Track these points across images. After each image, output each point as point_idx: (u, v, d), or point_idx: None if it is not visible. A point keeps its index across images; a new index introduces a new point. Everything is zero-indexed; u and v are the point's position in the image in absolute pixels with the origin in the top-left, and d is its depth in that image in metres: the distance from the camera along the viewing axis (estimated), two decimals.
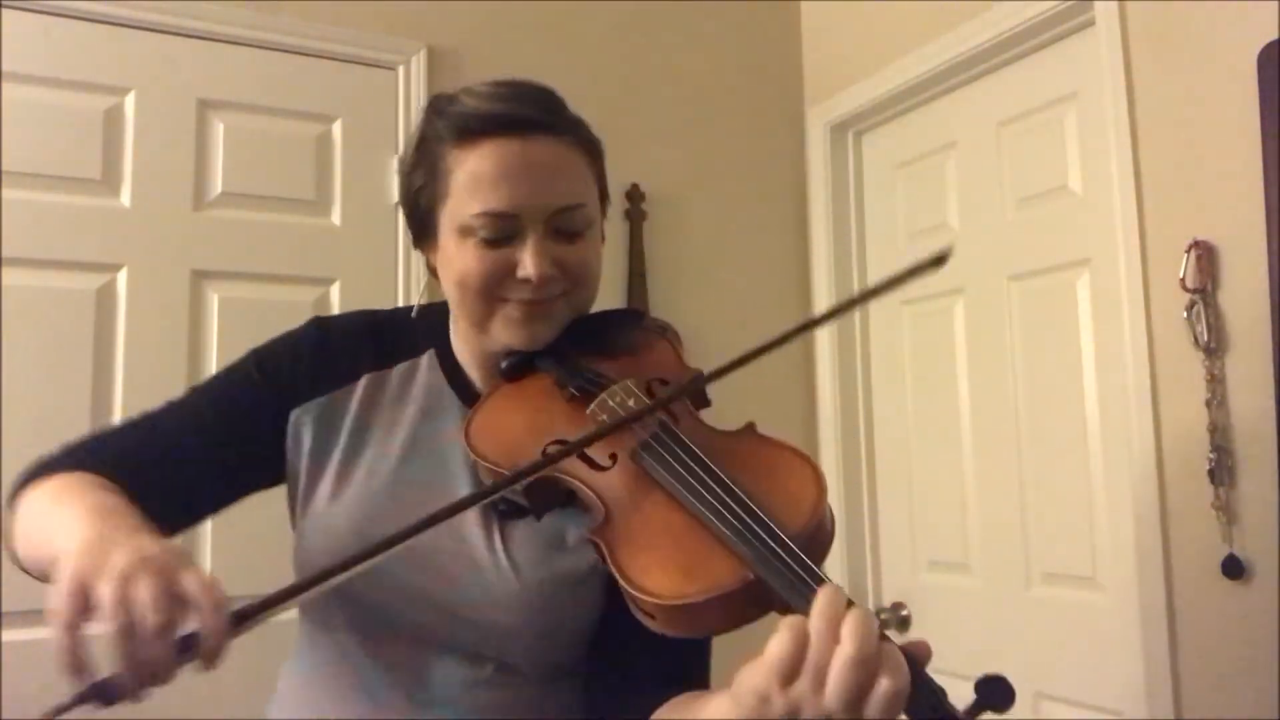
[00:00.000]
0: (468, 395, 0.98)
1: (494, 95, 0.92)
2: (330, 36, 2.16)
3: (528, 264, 0.88)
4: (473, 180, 0.89)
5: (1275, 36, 1.54)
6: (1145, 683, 1.71)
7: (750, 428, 0.85)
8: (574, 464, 0.80)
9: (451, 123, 0.91)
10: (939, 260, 0.77)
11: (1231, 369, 1.61)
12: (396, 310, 1.09)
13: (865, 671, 0.59)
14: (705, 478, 0.75)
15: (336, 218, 2.15)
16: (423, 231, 0.97)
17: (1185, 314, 1.64)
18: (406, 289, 2.17)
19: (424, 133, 0.95)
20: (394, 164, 2.18)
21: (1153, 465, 1.71)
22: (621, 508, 0.77)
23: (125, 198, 1.98)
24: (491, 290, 0.90)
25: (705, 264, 2.46)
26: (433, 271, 0.99)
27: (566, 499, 0.82)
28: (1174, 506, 1.68)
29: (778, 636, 0.62)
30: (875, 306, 2.50)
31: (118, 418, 1.91)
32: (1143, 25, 1.77)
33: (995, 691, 0.62)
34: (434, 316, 1.04)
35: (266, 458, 0.97)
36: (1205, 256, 1.63)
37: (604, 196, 1.00)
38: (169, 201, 2.01)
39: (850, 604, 0.62)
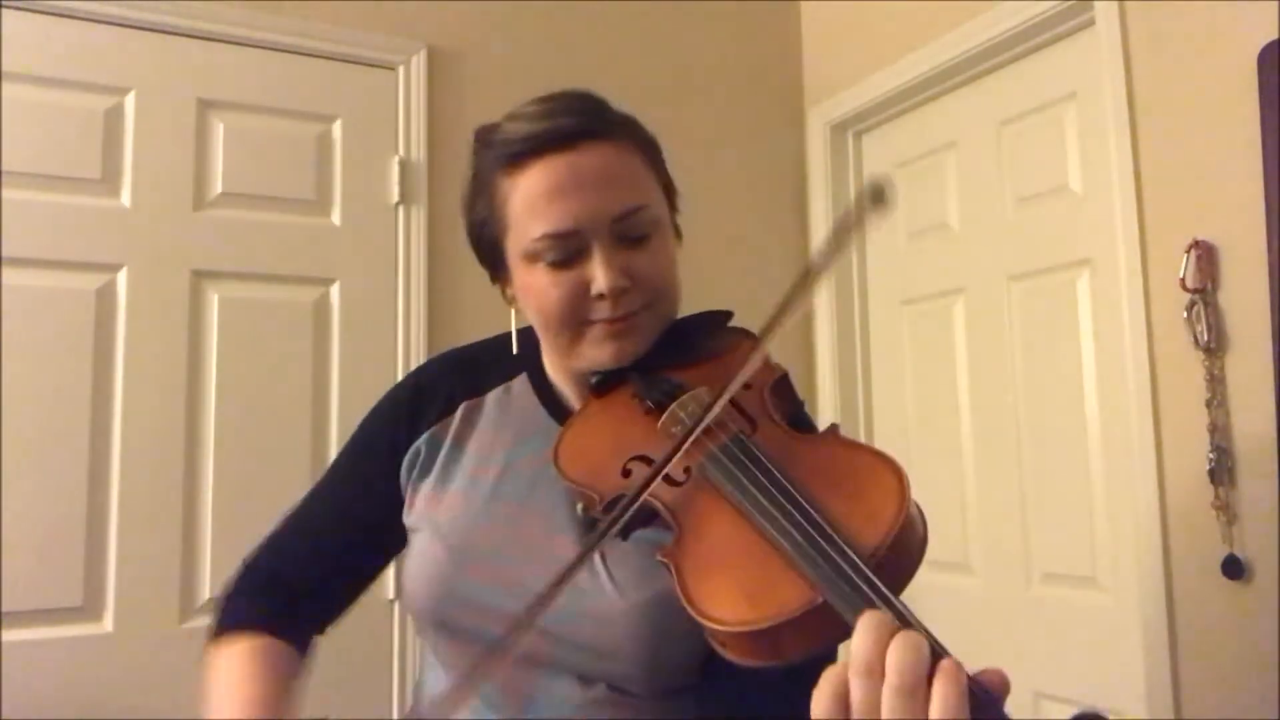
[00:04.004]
0: (561, 415, 0.97)
1: (534, 115, 0.91)
2: (330, 36, 2.16)
3: (599, 278, 0.87)
4: (528, 204, 0.88)
5: (1275, 36, 1.54)
6: (1145, 683, 1.71)
7: (833, 430, 0.80)
8: (654, 485, 0.76)
9: (498, 152, 0.91)
10: (877, 198, 0.74)
11: (1231, 369, 1.60)
12: (488, 340, 1.10)
13: (912, 702, 0.56)
14: (773, 491, 0.70)
15: (336, 218, 2.15)
16: (494, 265, 0.96)
17: (1185, 314, 1.64)
18: (406, 289, 2.17)
19: (476, 167, 0.95)
20: (394, 164, 2.18)
21: (1153, 465, 1.71)
22: (693, 526, 0.73)
23: (125, 198, 1.98)
24: (573, 316, 0.89)
25: (705, 264, 2.46)
26: (512, 304, 0.98)
27: (648, 518, 0.78)
28: (1174, 506, 1.68)
29: (827, 674, 0.60)
30: (875, 306, 2.50)
31: (118, 418, 1.91)
32: (1143, 25, 1.77)
33: None
34: (526, 339, 1.03)
35: (399, 516, 1.00)
36: (1205, 256, 1.63)
37: (670, 191, 0.98)
38: (169, 201, 2.01)
39: (901, 628, 0.59)
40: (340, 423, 2.08)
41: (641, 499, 0.73)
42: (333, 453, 2.05)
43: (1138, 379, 1.74)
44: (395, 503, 1.00)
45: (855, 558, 0.63)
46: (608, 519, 0.73)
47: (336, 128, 2.17)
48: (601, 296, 0.87)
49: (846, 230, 0.76)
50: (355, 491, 1.03)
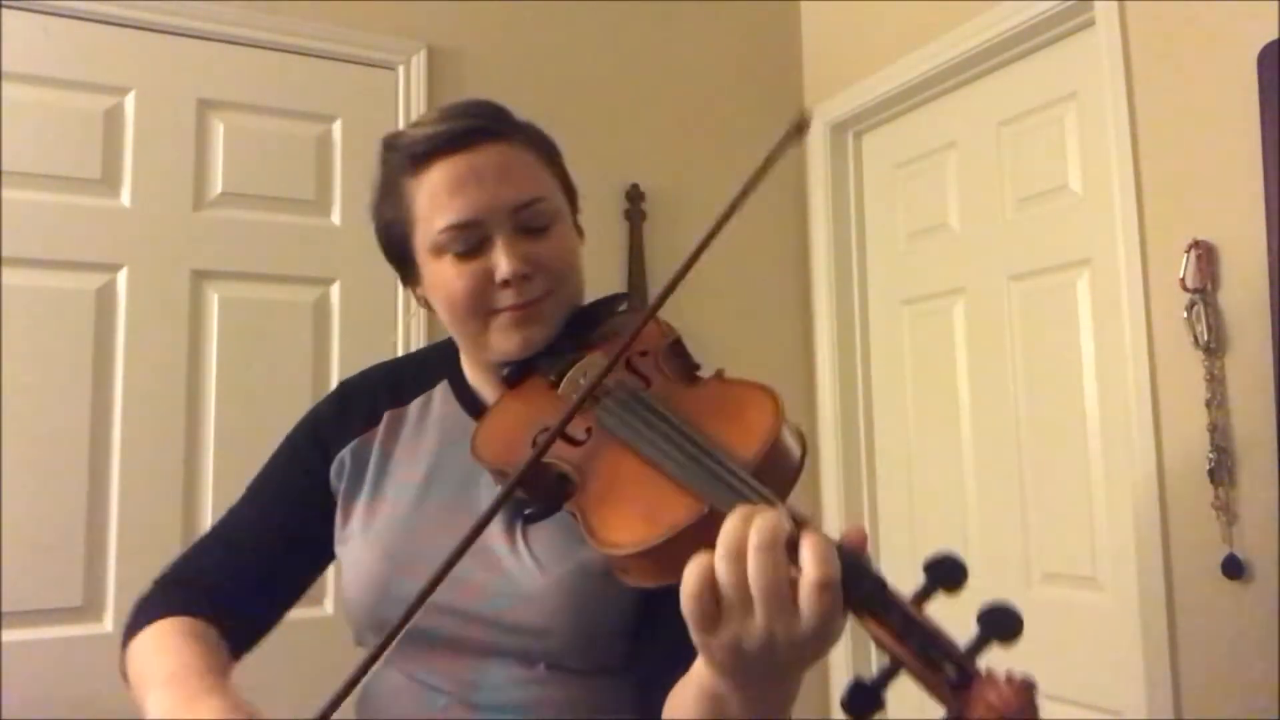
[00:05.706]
0: (481, 415, 1.00)
1: (434, 120, 0.96)
2: (330, 36, 2.16)
3: (501, 265, 0.91)
4: (432, 200, 0.93)
5: (1275, 36, 1.54)
6: (1145, 683, 1.71)
7: (718, 374, 0.86)
8: (558, 447, 0.81)
9: (402, 155, 0.95)
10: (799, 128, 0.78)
11: (1231, 369, 1.61)
12: (411, 354, 1.13)
13: (774, 562, 0.59)
14: (658, 424, 0.77)
15: (336, 218, 2.15)
16: (404, 265, 1.01)
17: (1185, 314, 1.64)
18: (406, 289, 2.16)
19: (383, 172, 0.99)
20: None
21: (1153, 465, 1.71)
22: (593, 474, 0.78)
23: (125, 198, 1.98)
24: (478, 304, 0.93)
25: (705, 264, 2.45)
26: (425, 304, 1.02)
27: (564, 488, 0.82)
28: (1174, 506, 1.68)
29: (692, 563, 0.62)
30: (875, 306, 2.50)
31: (118, 418, 1.91)
32: (1143, 25, 1.77)
33: (945, 571, 0.60)
34: (447, 349, 1.07)
35: (326, 523, 1.02)
36: (1205, 256, 1.63)
37: (570, 193, 1.02)
38: (169, 201, 2.01)
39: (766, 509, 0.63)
40: None
41: (544, 455, 0.77)
42: None
43: (1138, 379, 1.74)
44: (320, 513, 1.01)
45: (733, 466, 0.69)
46: (512, 476, 0.77)
47: (336, 128, 2.17)
48: (506, 283, 0.91)
49: (765, 167, 0.86)
50: (277, 501, 1.04)
